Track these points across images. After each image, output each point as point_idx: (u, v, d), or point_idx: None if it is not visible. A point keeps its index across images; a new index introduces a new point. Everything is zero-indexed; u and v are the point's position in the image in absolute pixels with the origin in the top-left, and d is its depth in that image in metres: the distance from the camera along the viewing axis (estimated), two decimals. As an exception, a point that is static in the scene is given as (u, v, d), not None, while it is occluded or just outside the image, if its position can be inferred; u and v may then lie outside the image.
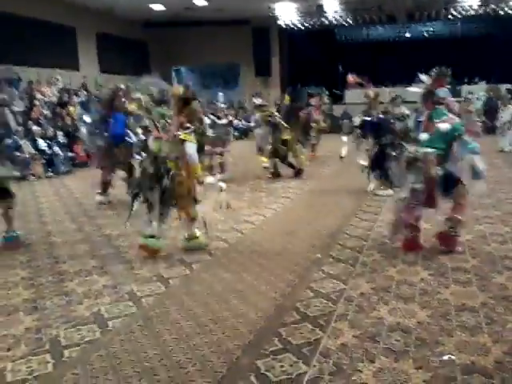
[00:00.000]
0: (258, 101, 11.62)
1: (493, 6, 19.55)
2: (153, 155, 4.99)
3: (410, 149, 4.83)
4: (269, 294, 3.93)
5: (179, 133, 4.92)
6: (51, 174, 11.55)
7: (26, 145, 11.57)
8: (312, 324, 3.38)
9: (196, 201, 5.12)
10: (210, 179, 9.05)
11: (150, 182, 4.91)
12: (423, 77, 4.98)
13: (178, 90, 5.13)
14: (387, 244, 5.13)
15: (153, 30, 22.62)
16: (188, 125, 5.01)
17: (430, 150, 4.66)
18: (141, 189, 4.99)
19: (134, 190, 5.10)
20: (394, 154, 6.96)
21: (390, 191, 7.38)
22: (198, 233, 5.23)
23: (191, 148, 4.95)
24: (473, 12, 20.08)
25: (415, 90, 5.15)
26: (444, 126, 4.63)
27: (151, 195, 4.90)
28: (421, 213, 4.84)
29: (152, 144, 5.04)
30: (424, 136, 4.77)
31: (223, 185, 5.24)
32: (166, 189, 4.91)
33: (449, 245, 4.80)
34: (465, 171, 4.62)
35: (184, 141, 4.92)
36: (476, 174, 4.65)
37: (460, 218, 4.73)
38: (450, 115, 4.74)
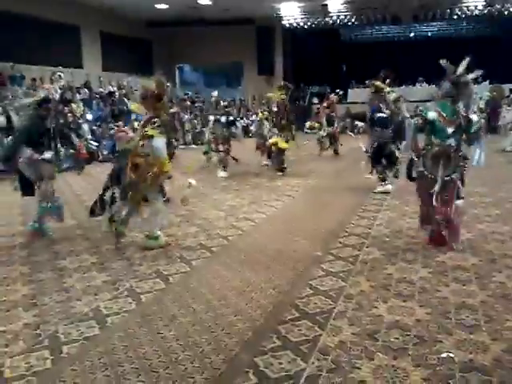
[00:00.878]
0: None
1: (498, 6, 19.51)
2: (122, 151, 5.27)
3: (435, 141, 4.82)
4: (268, 291, 3.92)
5: (146, 129, 4.99)
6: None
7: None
8: (311, 321, 3.37)
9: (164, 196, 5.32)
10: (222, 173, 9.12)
11: (117, 179, 5.18)
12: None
13: (151, 85, 5.08)
14: (387, 242, 5.13)
15: (157, 29, 22.66)
16: (155, 119, 5.03)
17: (452, 142, 4.74)
18: (111, 184, 5.26)
19: (106, 184, 5.38)
20: (396, 150, 7.07)
21: (389, 186, 7.46)
22: (158, 233, 5.20)
23: (158, 142, 4.97)
24: (477, 12, 20.05)
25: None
26: (475, 117, 4.79)
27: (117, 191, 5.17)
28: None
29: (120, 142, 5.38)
30: (449, 129, 4.74)
31: (193, 182, 5.38)
32: (127, 184, 5.04)
33: (446, 241, 4.87)
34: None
35: (152, 136, 4.94)
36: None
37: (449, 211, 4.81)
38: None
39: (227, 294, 3.90)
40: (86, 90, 16.79)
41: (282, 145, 9.67)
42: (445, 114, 4.78)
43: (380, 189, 7.72)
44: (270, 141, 9.77)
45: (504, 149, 12.49)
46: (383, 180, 7.78)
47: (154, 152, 4.95)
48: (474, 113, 4.94)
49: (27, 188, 5.82)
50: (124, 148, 5.29)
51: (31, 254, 5.13)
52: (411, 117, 11.03)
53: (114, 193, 5.21)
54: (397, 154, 7.59)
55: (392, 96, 8.00)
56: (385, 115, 7.71)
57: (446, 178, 4.75)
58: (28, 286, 4.21)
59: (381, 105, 7.80)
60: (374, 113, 7.83)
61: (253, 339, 3.18)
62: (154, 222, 5.18)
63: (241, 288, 4.01)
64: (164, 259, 4.83)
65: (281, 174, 9.78)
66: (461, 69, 4.86)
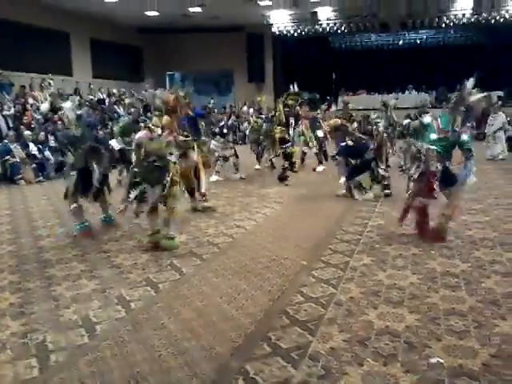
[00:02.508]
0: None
1: (484, 14, 19.77)
2: (154, 153, 5.25)
3: (417, 144, 5.37)
4: (259, 299, 3.92)
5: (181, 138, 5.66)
6: (42, 178, 11.49)
7: (16, 149, 11.59)
8: (301, 328, 3.37)
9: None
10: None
11: (153, 177, 5.23)
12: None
13: (168, 97, 5.79)
14: (377, 248, 5.15)
15: (147, 36, 22.68)
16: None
17: (432, 147, 5.19)
18: (142, 181, 5.26)
19: (134, 179, 5.33)
20: (378, 168, 7.32)
21: (370, 195, 7.82)
22: (175, 235, 5.44)
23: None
24: (465, 20, 20.30)
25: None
26: (465, 137, 5.17)
27: (152, 190, 5.24)
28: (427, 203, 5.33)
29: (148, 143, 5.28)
30: (433, 136, 5.26)
31: None
32: (164, 187, 5.24)
33: (435, 239, 5.26)
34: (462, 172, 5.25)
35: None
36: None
37: (445, 222, 5.29)
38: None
39: (218, 301, 3.89)
40: (77, 97, 16.71)
41: (291, 149, 9.76)
42: (440, 123, 5.24)
43: (361, 197, 7.87)
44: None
45: (495, 157, 12.57)
46: (361, 190, 7.94)
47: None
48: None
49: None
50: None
51: (20, 262, 5.08)
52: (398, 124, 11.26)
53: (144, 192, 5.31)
54: (380, 171, 7.88)
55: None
56: (351, 144, 8.03)
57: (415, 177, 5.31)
58: (16, 294, 4.17)
59: (347, 137, 8.13)
60: (342, 144, 8.18)
61: (243, 346, 3.17)
62: (174, 222, 5.40)
63: (231, 295, 4.00)
64: (154, 267, 4.80)
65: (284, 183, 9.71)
66: (475, 97, 5.30)
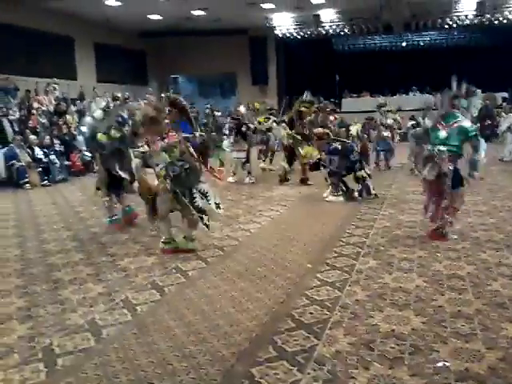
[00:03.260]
0: None
1: (488, 15, 19.73)
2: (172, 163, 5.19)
3: (428, 147, 5.47)
4: (264, 302, 3.92)
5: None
6: (47, 182, 11.53)
7: (22, 153, 11.65)
8: (307, 331, 3.37)
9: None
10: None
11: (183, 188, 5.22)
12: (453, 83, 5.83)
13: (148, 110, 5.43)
14: (383, 251, 5.14)
15: (150, 40, 22.76)
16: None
17: (443, 148, 5.28)
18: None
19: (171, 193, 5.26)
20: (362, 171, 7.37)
21: (341, 198, 7.96)
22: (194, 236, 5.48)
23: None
24: (468, 22, 20.26)
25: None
26: (467, 124, 5.36)
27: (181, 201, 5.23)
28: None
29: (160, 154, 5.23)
30: (442, 134, 5.36)
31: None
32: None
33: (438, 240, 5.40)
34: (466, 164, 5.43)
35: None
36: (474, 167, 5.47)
37: (451, 219, 5.44)
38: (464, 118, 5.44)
39: (223, 304, 3.90)
40: (81, 101, 16.79)
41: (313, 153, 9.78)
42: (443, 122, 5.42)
43: (332, 198, 8.00)
44: (303, 152, 9.74)
45: (502, 158, 12.53)
46: (336, 191, 8.05)
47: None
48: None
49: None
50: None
51: (26, 266, 5.11)
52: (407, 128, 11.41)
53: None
54: (363, 173, 7.95)
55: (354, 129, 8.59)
56: (339, 147, 8.09)
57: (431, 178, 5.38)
58: (23, 298, 4.20)
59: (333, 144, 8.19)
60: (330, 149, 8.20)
61: (249, 350, 3.17)
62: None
63: (237, 298, 4.01)
64: (160, 270, 4.81)
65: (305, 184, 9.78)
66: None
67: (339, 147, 8.09)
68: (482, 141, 5.58)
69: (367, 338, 3.24)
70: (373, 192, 7.98)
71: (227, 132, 10.79)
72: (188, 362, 3.02)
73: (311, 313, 3.67)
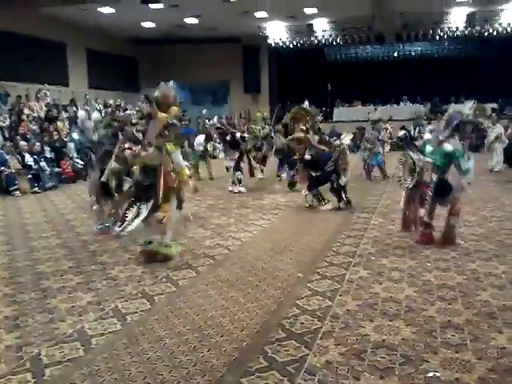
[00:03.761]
0: None
1: (478, 27, 19.97)
2: (139, 168, 5.25)
3: (414, 156, 5.73)
4: (255, 311, 3.91)
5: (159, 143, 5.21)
6: (37, 189, 11.45)
7: (12, 160, 11.56)
8: (297, 341, 3.36)
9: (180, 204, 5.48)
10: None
11: (145, 194, 5.17)
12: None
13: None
14: (373, 261, 5.15)
15: (143, 47, 22.77)
16: (165, 132, 5.27)
17: (428, 159, 5.57)
18: (137, 200, 5.19)
19: (129, 200, 5.30)
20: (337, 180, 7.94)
21: (329, 206, 8.12)
22: (170, 241, 5.45)
23: (177, 156, 5.28)
24: (459, 33, 20.50)
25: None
26: (449, 147, 5.47)
27: (146, 206, 5.14)
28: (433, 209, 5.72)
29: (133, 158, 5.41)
30: (428, 148, 5.71)
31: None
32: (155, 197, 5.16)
33: (450, 243, 5.61)
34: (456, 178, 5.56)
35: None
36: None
37: (454, 223, 5.65)
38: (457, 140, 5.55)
39: (213, 314, 3.88)
40: (74, 107, 16.72)
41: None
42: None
43: (323, 208, 8.13)
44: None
45: (492, 169, 12.65)
46: (320, 201, 8.19)
47: (175, 166, 5.24)
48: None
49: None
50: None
51: (14, 274, 5.06)
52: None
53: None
54: (341, 183, 8.10)
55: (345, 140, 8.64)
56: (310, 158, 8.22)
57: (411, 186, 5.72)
58: (11, 307, 4.15)
59: (308, 150, 8.29)
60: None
61: (239, 360, 3.16)
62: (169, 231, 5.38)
63: (227, 308, 3.99)
64: (150, 279, 4.79)
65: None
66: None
67: (309, 158, 8.15)
68: (471, 156, 5.68)
69: (358, 348, 3.23)
70: (344, 198, 8.09)
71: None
72: (178, 373, 3.00)
73: (302, 322, 3.66)
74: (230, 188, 10.22)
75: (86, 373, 3.03)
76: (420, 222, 5.77)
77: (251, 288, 4.44)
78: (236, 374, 2.97)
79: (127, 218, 5.08)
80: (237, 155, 10.31)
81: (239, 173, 10.35)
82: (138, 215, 5.11)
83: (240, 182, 10.31)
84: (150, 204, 5.16)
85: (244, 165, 10.74)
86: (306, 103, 10.29)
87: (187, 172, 5.40)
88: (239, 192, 10.09)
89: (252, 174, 11.28)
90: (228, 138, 10.37)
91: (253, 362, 3.10)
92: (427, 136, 6.65)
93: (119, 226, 5.15)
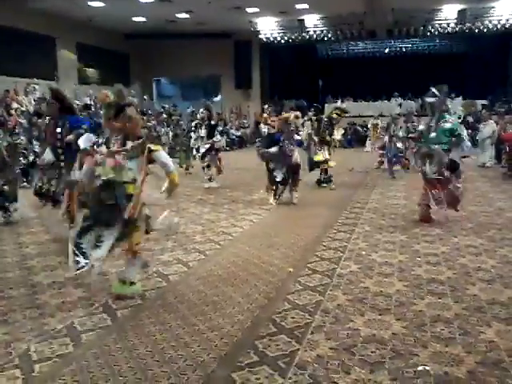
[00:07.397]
0: None
1: (469, 24, 20.08)
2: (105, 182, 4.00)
3: (424, 147, 6.60)
4: (245, 306, 3.90)
5: (151, 146, 4.06)
6: (26, 184, 11.33)
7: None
8: (288, 336, 3.36)
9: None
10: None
11: (110, 215, 3.97)
12: (435, 90, 6.65)
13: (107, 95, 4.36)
14: (364, 256, 5.17)
15: (134, 42, 22.63)
16: (139, 134, 4.16)
17: (437, 146, 6.33)
18: (96, 223, 4.00)
19: (86, 222, 4.06)
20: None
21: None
22: (136, 278, 4.32)
23: (164, 156, 4.16)
24: (450, 30, 20.60)
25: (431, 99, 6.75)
26: (448, 125, 6.36)
27: (109, 231, 3.98)
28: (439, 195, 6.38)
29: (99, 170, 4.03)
30: (432, 134, 6.45)
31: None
32: (128, 222, 4.02)
33: (454, 205, 6.50)
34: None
35: (152, 151, 4.04)
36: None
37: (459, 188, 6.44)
38: (451, 118, 6.53)
39: (204, 309, 3.87)
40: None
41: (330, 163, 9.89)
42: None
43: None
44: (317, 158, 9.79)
45: (484, 164, 12.74)
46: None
47: (163, 167, 4.13)
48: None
49: None
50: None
51: (3, 269, 5.01)
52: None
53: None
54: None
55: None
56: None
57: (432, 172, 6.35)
58: (-1, 302, 4.11)
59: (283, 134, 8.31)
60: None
61: (230, 355, 3.15)
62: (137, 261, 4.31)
63: (218, 303, 3.98)
64: (140, 274, 4.74)
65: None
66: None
67: (275, 151, 8.13)
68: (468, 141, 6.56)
69: (348, 343, 3.24)
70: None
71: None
72: (168, 368, 2.99)
73: (293, 317, 3.67)
74: (206, 185, 10.12)
75: (76, 369, 3.01)
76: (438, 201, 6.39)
77: (242, 283, 4.44)
78: (227, 369, 2.97)
79: (83, 250, 3.89)
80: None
81: (210, 168, 10.23)
82: (98, 245, 3.95)
83: (210, 178, 10.20)
84: (114, 231, 4.01)
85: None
86: (341, 103, 10.43)
87: (176, 177, 4.19)
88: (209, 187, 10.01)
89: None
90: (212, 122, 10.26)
91: (244, 357, 3.10)
92: (421, 127, 7.37)
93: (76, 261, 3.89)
